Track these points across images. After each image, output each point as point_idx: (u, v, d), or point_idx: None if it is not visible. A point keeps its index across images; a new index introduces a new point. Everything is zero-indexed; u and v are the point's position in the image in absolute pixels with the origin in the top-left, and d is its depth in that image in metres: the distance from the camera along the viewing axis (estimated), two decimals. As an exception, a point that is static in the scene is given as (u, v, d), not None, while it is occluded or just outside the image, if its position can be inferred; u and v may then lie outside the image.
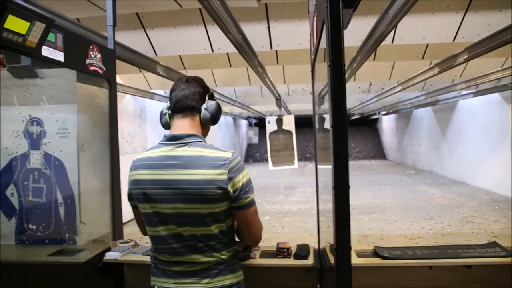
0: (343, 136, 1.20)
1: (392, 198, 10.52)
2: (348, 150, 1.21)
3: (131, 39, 4.79)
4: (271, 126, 7.20)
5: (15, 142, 2.77)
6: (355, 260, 2.19)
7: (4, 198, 2.79)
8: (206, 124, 1.72)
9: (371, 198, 10.33)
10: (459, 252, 2.20)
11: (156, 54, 5.21)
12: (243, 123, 25.31)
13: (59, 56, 2.10)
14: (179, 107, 1.66)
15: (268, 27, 4.86)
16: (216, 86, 8.49)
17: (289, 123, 7.23)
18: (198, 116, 1.68)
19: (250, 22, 4.75)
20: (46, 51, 1.99)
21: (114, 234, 2.58)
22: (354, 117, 22.51)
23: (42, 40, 1.89)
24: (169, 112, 1.71)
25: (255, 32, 4.79)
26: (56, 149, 2.74)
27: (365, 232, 6.89)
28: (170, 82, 6.26)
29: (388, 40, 4.73)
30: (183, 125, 1.65)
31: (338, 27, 1.22)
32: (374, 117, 23.88)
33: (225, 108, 14.66)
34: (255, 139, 22.68)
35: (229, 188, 1.55)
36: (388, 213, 8.52)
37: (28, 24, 1.78)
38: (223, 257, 1.61)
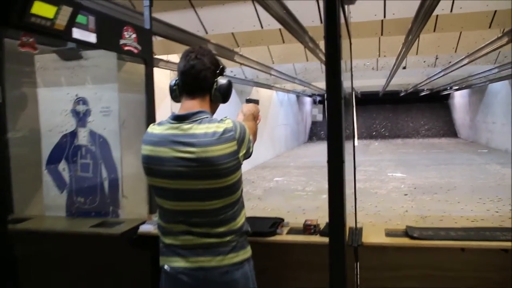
0: (337, 110, 1.15)
1: (459, 178, 9.99)
2: (342, 124, 1.16)
3: (181, 19, 4.86)
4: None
5: (65, 120, 2.96)
6: (382, 239, 2.13)
7: (57, 173, 3.00)
8: (216, 102, 1.73)
9: (436, 177, 9.88)
10: (497, 234, 2.06)
11: (206, 32, 5.25)
12: (307, 100, 24.99)
13: (91, 38, 2.18)
14: (189, 89, 1.66)
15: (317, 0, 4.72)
16: (273, 63, 8.42)
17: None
18: (208, 96, 1.68)
19: (297, -5, 4.63)
20: (77, 33, 2.07)
21: (150, 208, 2.69)
22: (423, 93, 21.44)
23: (71, 23, 1.99)
24: (178, 87, 1.71)
25: (303, 7, 4.66)
26: (100, 126, 2.88)
27: (424, 213, 6.62)
28: (221, 59, 6.31)
29: (446, 9, 4.43)
30: (191, 105, 1.65)
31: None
32: (445, 92, 22.59)
33: (285, 85, 14.54)
34: (319, 117, 22.34)
35: (240, 155, 1.60)
36: (452, 194, 8.12)
37: (55, 8, 1.88)
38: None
